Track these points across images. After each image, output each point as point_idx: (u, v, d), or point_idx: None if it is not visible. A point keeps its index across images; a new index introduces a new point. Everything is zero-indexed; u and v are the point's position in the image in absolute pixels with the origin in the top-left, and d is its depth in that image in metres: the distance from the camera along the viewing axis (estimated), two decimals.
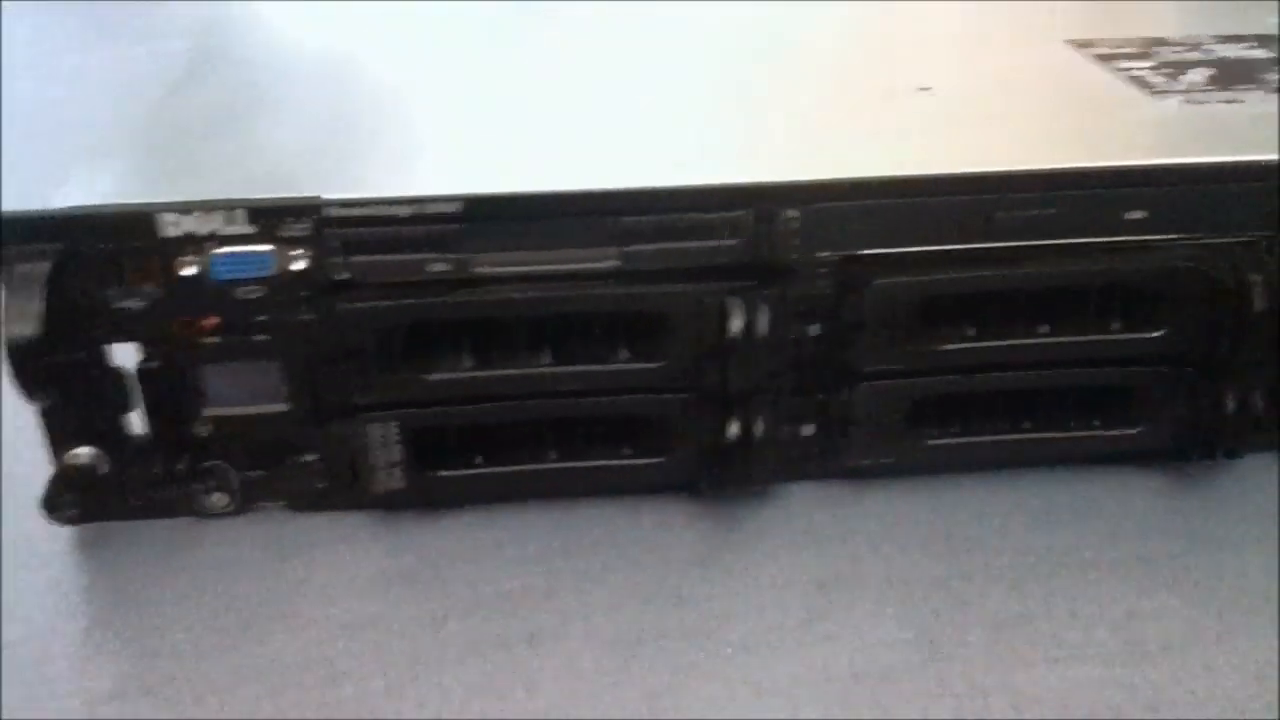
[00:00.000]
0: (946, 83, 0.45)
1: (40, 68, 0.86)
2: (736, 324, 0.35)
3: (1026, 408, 0.39)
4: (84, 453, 0.37)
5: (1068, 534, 0.38)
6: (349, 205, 0.34)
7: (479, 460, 0.39)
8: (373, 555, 0.38)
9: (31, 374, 0.33)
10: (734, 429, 0.36)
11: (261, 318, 0.36)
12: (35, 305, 0.33)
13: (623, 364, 0.37)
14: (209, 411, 0.37)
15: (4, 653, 0.34)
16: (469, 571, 0.37)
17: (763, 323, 0.35)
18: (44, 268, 0.33)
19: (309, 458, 0.38)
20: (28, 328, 0.32)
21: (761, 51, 0.49)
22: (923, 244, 0.36)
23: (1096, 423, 0.39)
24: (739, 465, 0.37)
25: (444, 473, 0.38)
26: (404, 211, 0.34)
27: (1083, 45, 0.49)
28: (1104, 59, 0.47)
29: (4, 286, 0.34)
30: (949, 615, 0.35)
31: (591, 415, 0.38)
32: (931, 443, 0.39)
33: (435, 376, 0.36)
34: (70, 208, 0.34)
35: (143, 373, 0.36)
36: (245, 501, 0.39)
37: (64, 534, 0.39)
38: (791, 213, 0.35)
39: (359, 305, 0.35)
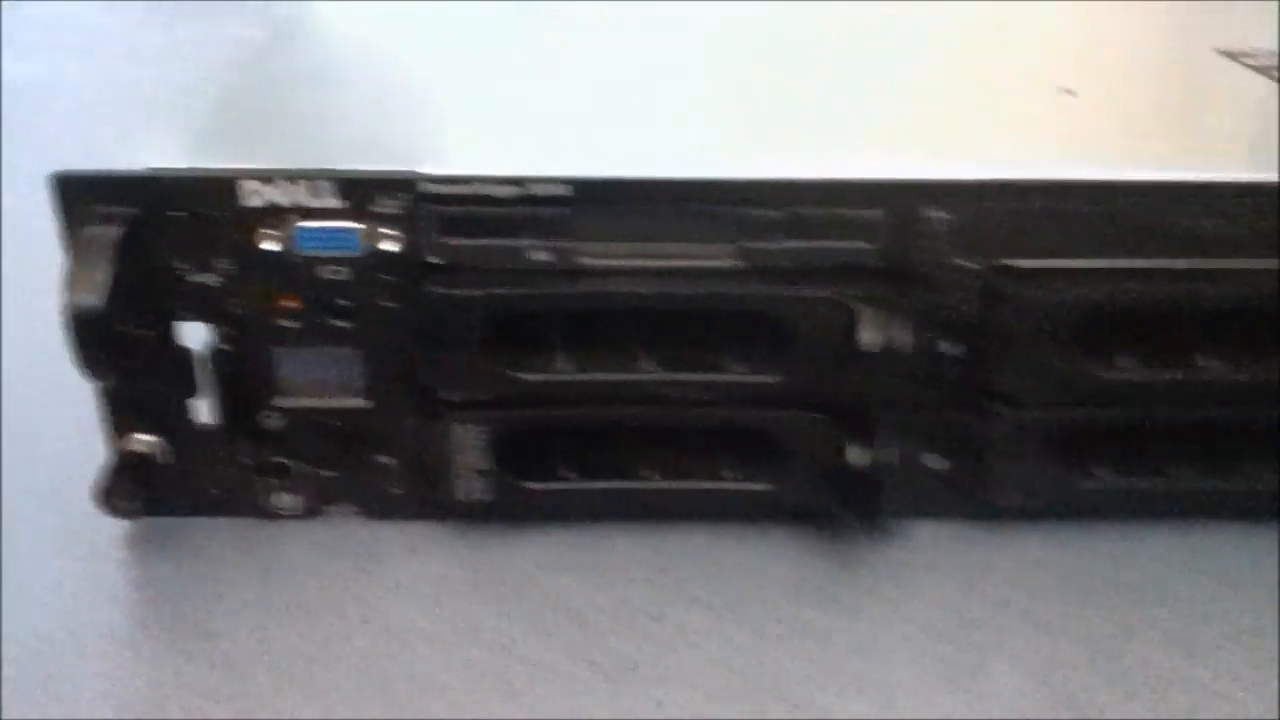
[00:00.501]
0: (1090, 86, 0.41)
1: (117, 49, 0.84)
2: (869, 336, 0.31)
3: (1192, 450, 0.35)
4: (144, 440, 0.34)
5: (1230, 594, 0.33)
6: (447, 182, 0.31)
7: (571, 473, 0.35)
8: (449, 569, 0.34)
9: (95, 349, 0.30)
10: (858, 454, 0.33)
11: (344, 301, 0.33)
12: (103, 273, 0.30)
13: (737, 374, 0.33)
14: (281, 402, 0.34)
15: (35, 646, 0.31)
16: (554, 593, 0.33)
17: (900, 336, 0.31)
18: (114, 233, 0.30)
19: (386, 459, 0.35)
20: (93, 297, 0.29)
21: (894, 43, 0.46)
22: (1080, 256, 0.32)
23: (1269, 474, 0.35)
24: (861, 495, 0.33)
25: (533, 484, 0.35)
26: (507, 192, 0.31)
27: (1233, 55, 0.45)
28: (1261, 70, 0.43)
29: (70, 252, 0.31)
30: (1090, 673, 0.31)
31: (698, 429, 0.34)
32: (1083, 484, 0.34)
33: (530, 376, 0.33)
34: (145, 170, 0.31)
35: (213, 355, 0.33)
36: (314, 504, 0.36)
37: (115, 528, 0.36)
38: (934, 213, 0.31)
39: (452, 292, 0.32)
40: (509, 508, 0.35)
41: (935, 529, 0.35)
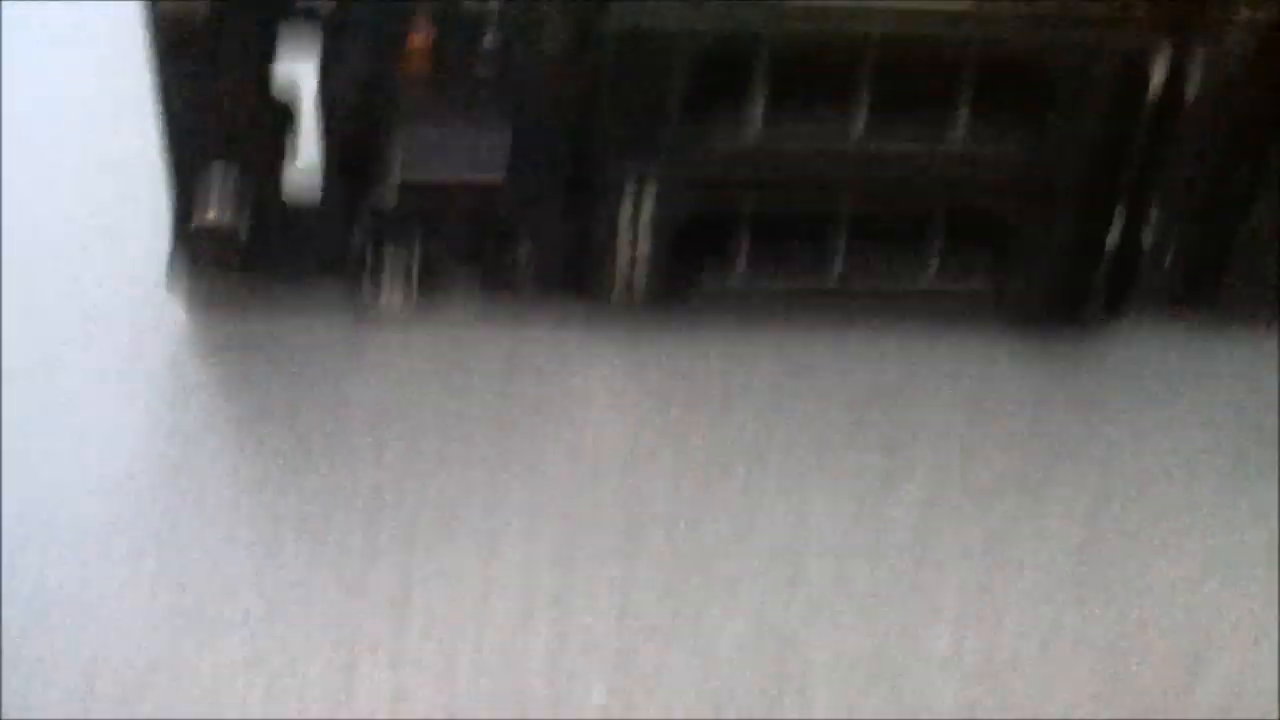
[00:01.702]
0: None
1: None
2: (1158, 79, 0.25)
3: None
4: (224, 212, 0.27)
5: None
6: None
7: (751, 265, 0.29)
8: (609, 379, 0.29)
9: (186, 74, 0.23)
10: (1116, 235, 0.27)
11: (492, 41, 0.26)
12: None
13: (968, 139, 0.27)
14: (401, 175, 0.27)
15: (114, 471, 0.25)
16: (748, 409, 0.28)
17: (1193, 85, 0.25)
18: None
19: (525, 245, 0.29)
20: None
21: None
22: None
23: None
24: (1108, 289, 0.28)
25: (706, 276, 0.29)
26: None
27: None
28: None
29: None
30: None
31: (912, 211, 0.28)
32: None
33: (723, 141, 0.27)
34: None
35: (322, 109, 0.26)
36: (426, 300, 0.29)
37: (175, 331, 0.29)
38: None
39: (638, 26, 0.25)
40: (671, 305, 0.29)
41: (1165, 331, 0.30)
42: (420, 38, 0.26)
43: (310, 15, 0.25)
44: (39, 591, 0.23)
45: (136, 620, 0.23)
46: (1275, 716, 0.25)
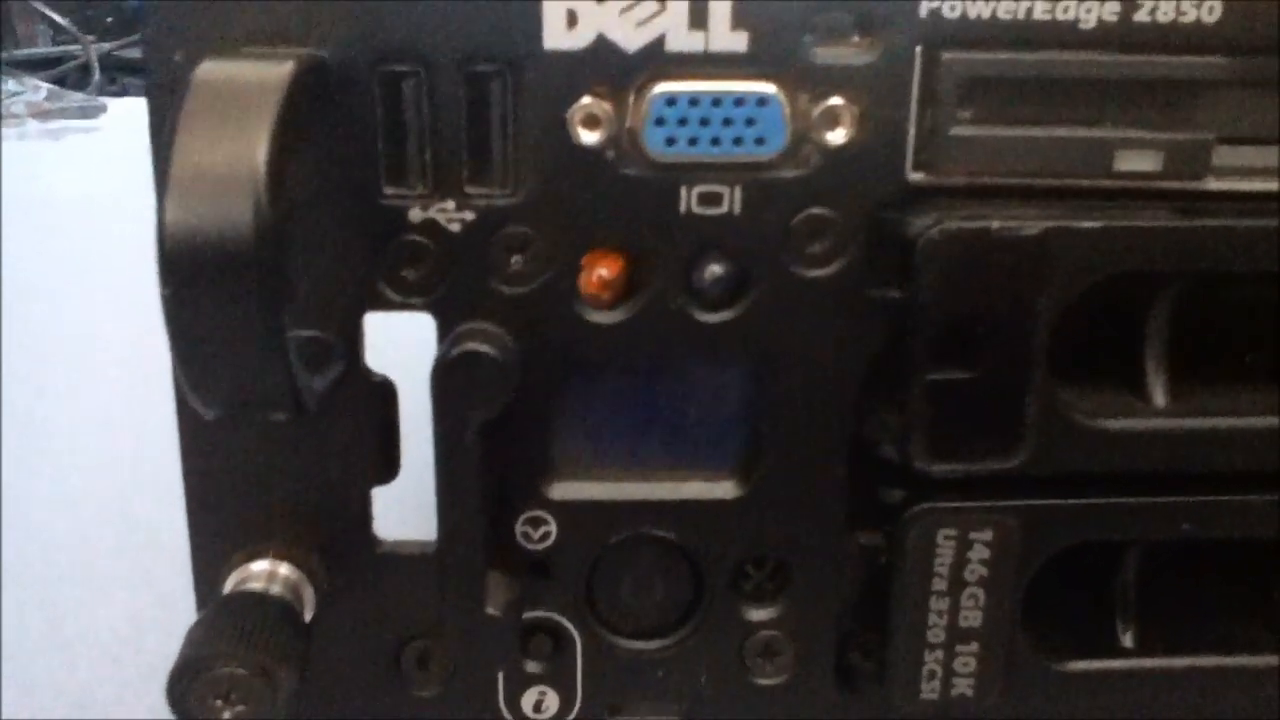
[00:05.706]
0: None
1: None
2: None
3: None
4: (269, 571, 0.16)
5: None
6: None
7: (1136, 639, 0.17)
8: None
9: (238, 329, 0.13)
10: None
11: (726, 266, 0.15)
12: (261, 146, 0.13)
13: None
14: (560, 491, 0.16)
15: None
16: None
17: None
18: (279, 74, 0.13)
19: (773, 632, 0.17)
20: (243, 202, 0.12)
21: None
22: None
23: None
24: None
25: (1080, 665, 0.17)
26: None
27: None
28: None
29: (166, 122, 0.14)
30: None
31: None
32: None
33: (1114, 422, 0.16)
34: None
35: (439, 388, 0.15)
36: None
37: None
38: None
39: (990, 232, 0.15)
40: (1023, 710, 0.17)
41: None
42: (605, 261, 0.15)
43: (434, 230, 0.15)
44: None
45: None
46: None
